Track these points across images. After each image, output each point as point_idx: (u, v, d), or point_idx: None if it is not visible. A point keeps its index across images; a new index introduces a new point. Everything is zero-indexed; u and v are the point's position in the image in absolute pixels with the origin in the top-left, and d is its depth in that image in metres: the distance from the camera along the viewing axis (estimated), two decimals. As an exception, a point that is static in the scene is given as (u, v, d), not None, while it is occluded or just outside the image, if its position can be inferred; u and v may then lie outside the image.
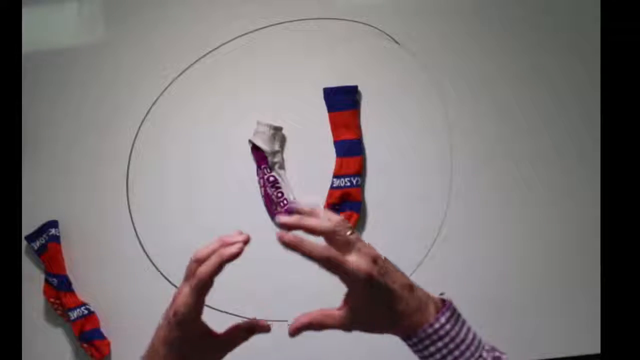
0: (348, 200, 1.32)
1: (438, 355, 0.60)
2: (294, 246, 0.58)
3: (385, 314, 0.61)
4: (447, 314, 0.62)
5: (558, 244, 1.29)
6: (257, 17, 1.39)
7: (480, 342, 0.63)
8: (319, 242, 0.60)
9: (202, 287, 0.60)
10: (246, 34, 1.39)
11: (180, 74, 1.40)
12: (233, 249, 0.61)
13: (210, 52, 1.40)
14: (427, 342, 0.61)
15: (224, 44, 1.40)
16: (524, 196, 1.31)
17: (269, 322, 0.67)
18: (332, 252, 0.59)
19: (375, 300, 0.60)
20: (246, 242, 0.63)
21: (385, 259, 0.62)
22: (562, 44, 1.33)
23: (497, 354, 0.63)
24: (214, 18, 1.41)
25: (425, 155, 1.33)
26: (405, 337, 0.63)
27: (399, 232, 1.31)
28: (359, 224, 1.33)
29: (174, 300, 0.62)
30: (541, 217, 1.30)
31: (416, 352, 0.62)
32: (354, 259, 0.59)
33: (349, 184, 1.32)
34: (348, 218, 1.31)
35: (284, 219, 0.61)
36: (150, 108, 1.39)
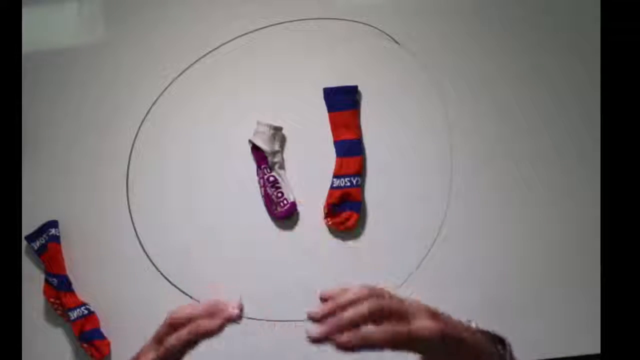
0: (348, 200, 1.32)
1: None
2: (354, 347, 0.51)
3: None
4: (508, 343, 0.59)
5: (558, 244, 1.29)
6: (257, 17, 1.39)
7: None
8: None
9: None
10: (246, 34, 1.39)
11: (180, 74, 1.40)
12: (211, 326, 0.54)
13: (210, 52, 1.40)
14: None
15: (224, 44, 1.40)
16: (524, 196, 1.31)
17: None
18: (393, 329, 0.52)
19: (453, 355, 0.55)
20: (233, 319, 0.55)
21: (433, 307, 0.57)
22: (562, 44, 1.33)
23: None
24: (214, 18, 1.41)
25: (425, 155, 1.33)
26: None
27: (399, 232, 1.31)
28: (359, 224, 1.33)
29: None
30: (541, 217, 1.30)
31: None
32: (417, 324, 0.53)
33: (349, 184, 1.32)
34: (348, 218, 1.31)
35: (317, 331, 0.53)
36: (150, 108, 1.39)
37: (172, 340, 0.54)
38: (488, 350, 0.57)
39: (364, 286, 0.55)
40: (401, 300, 0.55)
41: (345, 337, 0.51)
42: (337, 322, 0.52)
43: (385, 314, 0.53)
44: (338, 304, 0.54)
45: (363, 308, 0.52)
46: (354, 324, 0.52)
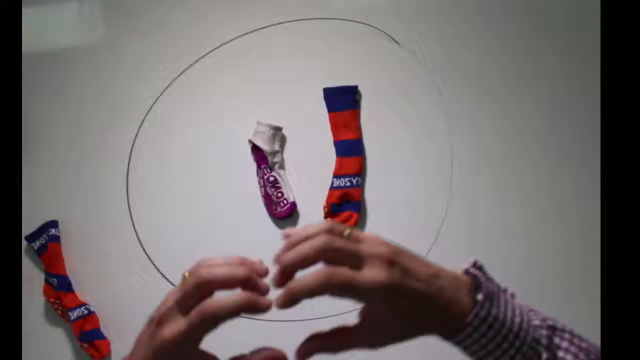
0: (348, 200, 1.32)
1: (491, 346, 0.50)
2: (290, 299, 0.47)
3: (417, 319, 0.50)
4: (485, 294, 0.51)
5: (558, 244, 1.29)
6: (257, 17, 1.39)
7: (526, 314, 0.53)
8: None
9: (205, 328, 0.47)
10: (246, 34, 1.39)
11: (180, 74, 1.40)
12: (266, 304, 0.49)
13: (210, 52, 1.40)
14: (475, 335, 0.50)
15: (224, 44, 1.40)
16: (524, 196, 1.31)
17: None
18: (327, 272, 0.46)
19: (403, 308, 0.49)
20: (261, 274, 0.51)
21: (399, 250, 0.50)
22: (562, 44, 1.33)
23: (549, 322, 0.55)
24: (214, 18, 1.41)
25: (425, 155, 1.33)
26: (448, 336, 0.51)
27: (399, 232, 1.31)
28: (359, 224, 1.32)
29: (160, 322, 0.48)
30: (541, 217, 1.30)
31: (465, 348, 0.52)
32: (366, 273, 0.47)
33: (349, 184, 1.32)
34: (348, 218, 1.31)
35: (276, 281, 0.49)
36: (150, 108, 1.39)
37: (215, 304, 0.47)
38: (454, 307, 0.50)
39: (327, 223, 0.49)
40: (359, 241, 0.49)
41: (280, 297, 0.48)
42: (281, 269, 0.49)
43: (336, 256, 0.47)
44: (291, 241, 0.50)
45: (311, 245, 0.48)
46: (296, 267, 0.48)
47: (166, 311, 0.49)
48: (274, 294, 0.49)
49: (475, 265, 0.56)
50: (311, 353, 0.50)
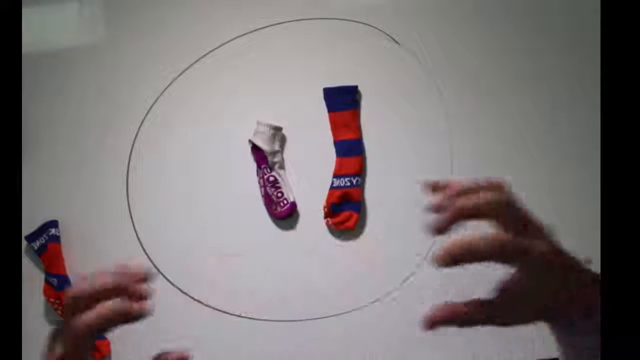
0: (348, 200, 1.32)
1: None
2: (452, 259, 0.46)
3: (561, 288, 0.50)
4: None
5: (558, 243, 1.29)
6: (257, 17, 1.39)
7: None
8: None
9: (80, 344, 0.47)
10: (246, 34, 1.39)
11: (180, 74, 1.40)
12: (136, 311, 0.46)
13: (210, 52, 1.40)
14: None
15: (224, 43, 1.40)
16: (524, 196, 1.30)
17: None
18: (505, 236, 0.47)
19: (549, 274, 0.49)
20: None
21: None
22: (562, 44, 1.33)
23: None
24: (214, 18, 1.41)
25: (425, 155, 1.33)
26: (587, 313, 0.50)
27: (399, 232, 1.31)
28: (359, 224, 1.33)
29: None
30: (541, 218, 1.30)
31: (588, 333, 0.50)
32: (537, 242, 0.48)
33: (349, 184, 1.32)
34: (348, 218, 1.31)
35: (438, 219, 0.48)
36: (150, 108, 1.39)
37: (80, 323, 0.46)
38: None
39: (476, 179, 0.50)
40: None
41: (442, 253, 0.46)
42: (459, 209, 0.48)
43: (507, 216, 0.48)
44: (456, 190, 0.50)
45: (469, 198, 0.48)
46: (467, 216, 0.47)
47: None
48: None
49: None
50: (439, 323, 0.47)
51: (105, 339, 1.34)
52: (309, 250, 1.32)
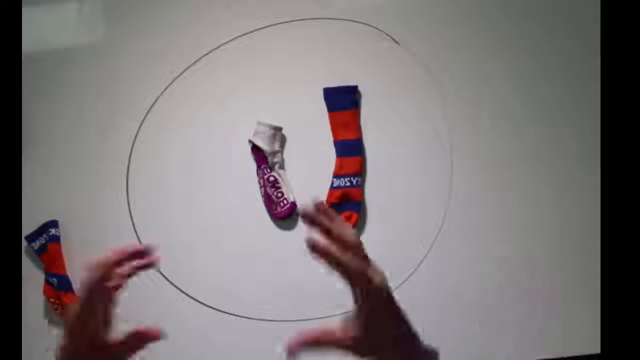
0: (348, 200, 1.32)
1: None
2: (326, 255, 0.54)
3: (404, 333, 0.56)
4: None
5: (558, 244, 1.29)
6: (257, 17, 1.39)
7: None
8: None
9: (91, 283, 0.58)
10: (246, 34, 1.39)
11: (180, 74, 1.40)
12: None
13: (210, 52, 1.40)
14: None
15: (224, 43, 1.40)
16: (524, 196, 1.31)
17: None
18: (363, 265, 0.54)
19: (394, 318, 0.55)
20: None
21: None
22: (562, 44, 1.33)
23: None
24: (214, 18, 1.41)
25: (425, 155, 1.33)
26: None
27: (399, 232, 1.31)
28: (359, 224, 1.33)
29: None
30: (541, 217, 1.30)
31: None
32: (378, 273, 0.54)
33: (349, 184, 1.32)
34: (348, 218, 1.31)
35: (309, 211, 0.56)
36: (150, 108, 1.39)
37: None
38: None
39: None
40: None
41: (324, 242, 0.54)
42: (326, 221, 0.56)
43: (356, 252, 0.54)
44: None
45: (351, 231, 0.56)
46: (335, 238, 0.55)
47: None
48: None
49: None
50: (301, 347, 0.54)
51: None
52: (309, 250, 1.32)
